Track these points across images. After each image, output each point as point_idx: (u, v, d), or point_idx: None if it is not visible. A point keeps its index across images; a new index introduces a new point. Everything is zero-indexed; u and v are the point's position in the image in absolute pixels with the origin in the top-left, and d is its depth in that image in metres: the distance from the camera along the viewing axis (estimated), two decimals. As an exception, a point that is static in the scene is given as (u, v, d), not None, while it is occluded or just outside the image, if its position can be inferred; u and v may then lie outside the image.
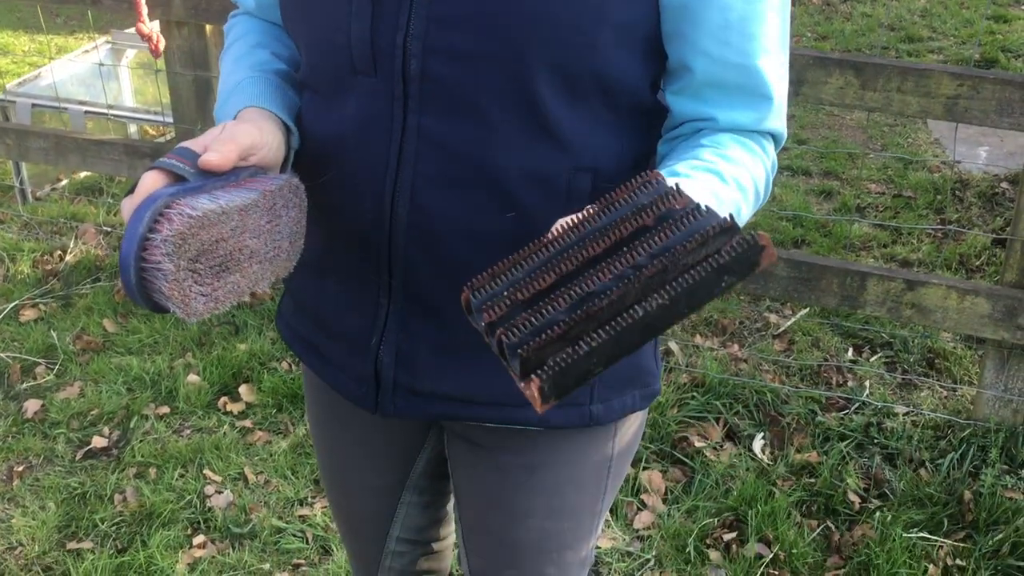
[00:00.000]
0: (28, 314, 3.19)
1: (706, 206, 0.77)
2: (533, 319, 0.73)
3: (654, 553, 2.34)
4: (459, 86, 0.97)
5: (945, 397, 2.86)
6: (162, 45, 2.98)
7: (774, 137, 1.06)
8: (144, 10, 2.87)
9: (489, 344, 0.75)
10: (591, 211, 0.79)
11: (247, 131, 0.97)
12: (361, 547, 1.46)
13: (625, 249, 0.75)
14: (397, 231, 1.04)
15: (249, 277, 0.95)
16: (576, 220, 0.80)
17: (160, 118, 3.67)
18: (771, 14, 0.98)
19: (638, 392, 1.19)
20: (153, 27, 2.93)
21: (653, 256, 0.73)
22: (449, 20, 0.95)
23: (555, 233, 0.80)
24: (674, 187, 0.79)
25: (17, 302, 3.23)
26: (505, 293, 0.76)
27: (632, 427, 1.25)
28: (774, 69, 1.01)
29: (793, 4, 6.38)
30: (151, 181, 0.90)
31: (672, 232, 0.75)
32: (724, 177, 0.96)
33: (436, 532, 1.46)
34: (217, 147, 0.92)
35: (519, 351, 0.71)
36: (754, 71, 0.99)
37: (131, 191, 0.90)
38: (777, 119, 1.04)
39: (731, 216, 0.75)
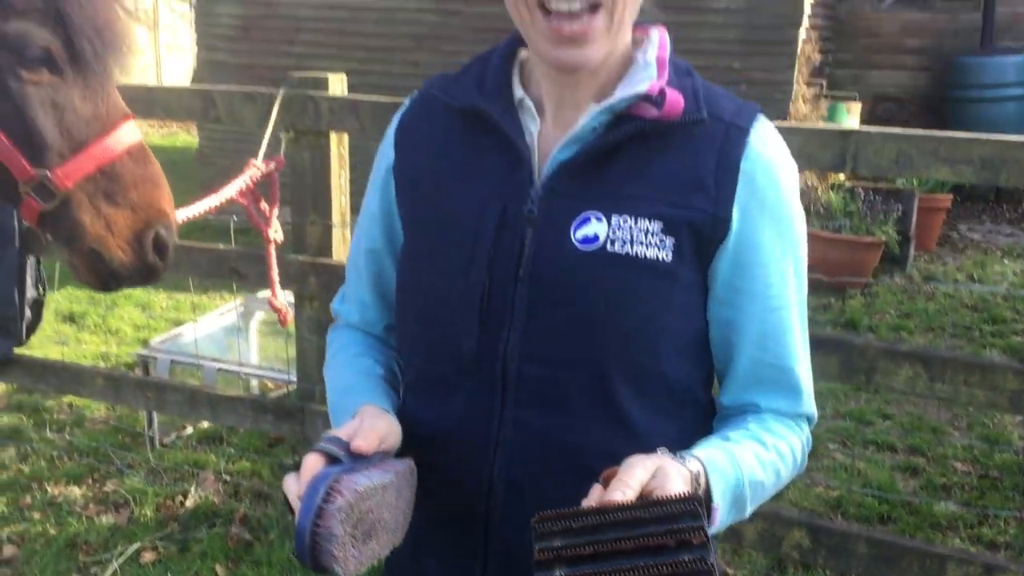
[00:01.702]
0: (148, 556, 3.43)
1: (713, 560, 0.98)
2: None
3: None
4: (550, 385, 1.22)
5: None
6: (290, 316, 3.36)
7: (808, 419, 1.31)
8: (277, 287, 3.27)
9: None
10: (637, 504, 1.01)
11: (382, 423, 1.21)
12: None
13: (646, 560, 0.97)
14: (494, 509, 1.25)
15: (381, 544, 1.17)
16: (624, 505, 1.01)
17: (284, 376, 4.04)
18: (797, 325, 1.27)
19: None
20: (284, 302, 3.32)
21: None
22: (543, 335, 1.22)
23: (609, 504, 1.01)
24: (702, 525, 0.99)
25: (139, 544, 3.48)
26: (558, 543, 1.00)
27: None
28: (802, 366, 1.28)
29: (876, 283, 6.67)
30: (315, 462, 1.14)
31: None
32: (766, 445, 1.21)
33: None
34: (363, 436, 1.17)
35: None
36: (788, 371, 1.26)
37: (295, 468, 1.15)
38: (808, 405, 1.30)
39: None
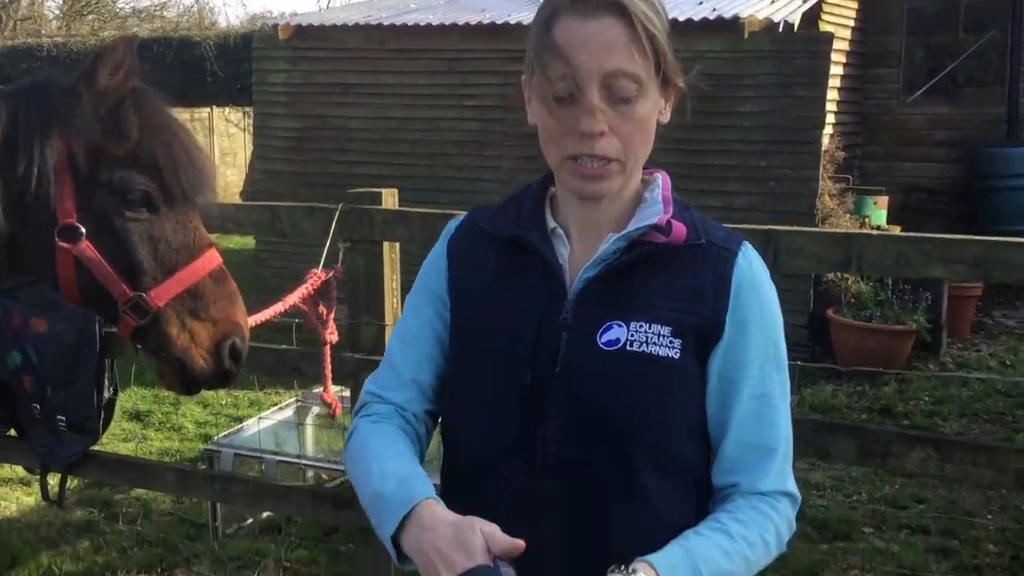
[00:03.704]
0: (215, 641, 3.66)
1: None
2: None
3: None
4: (582, 466, 1.47)
5: None
6: (340, 410, 3.64)
7: (787, 496, 1.51)
8: (330, 382, 3.56)
9: None
10: None
11: (492, 527, 1.35)
12: None
13: None
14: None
15: None
16: None
17: (339, 467, 4.30)
18: (777, 412, 1.51)
19: None
20: (335, 396, 3.60)
21: None
22: (577, 423, 1.47)
23: None
24: None
25: (206, 629, 3.71)
26: None
27: None
28: (782, 449, 1.50)
29: (910, 368, 6.81)
30: None
31: None
32: (733, 536, 1.43)
33: None
34: (511, 541, 1.32)
35: None
36: (767, 451, 1.49)
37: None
38: (786, 484, 1.50)
39: None
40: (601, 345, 1.47)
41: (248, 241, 11.06)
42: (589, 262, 1.52)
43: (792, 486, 1.52)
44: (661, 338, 1.47)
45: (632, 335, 1.47)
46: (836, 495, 5.01)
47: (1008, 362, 7.06)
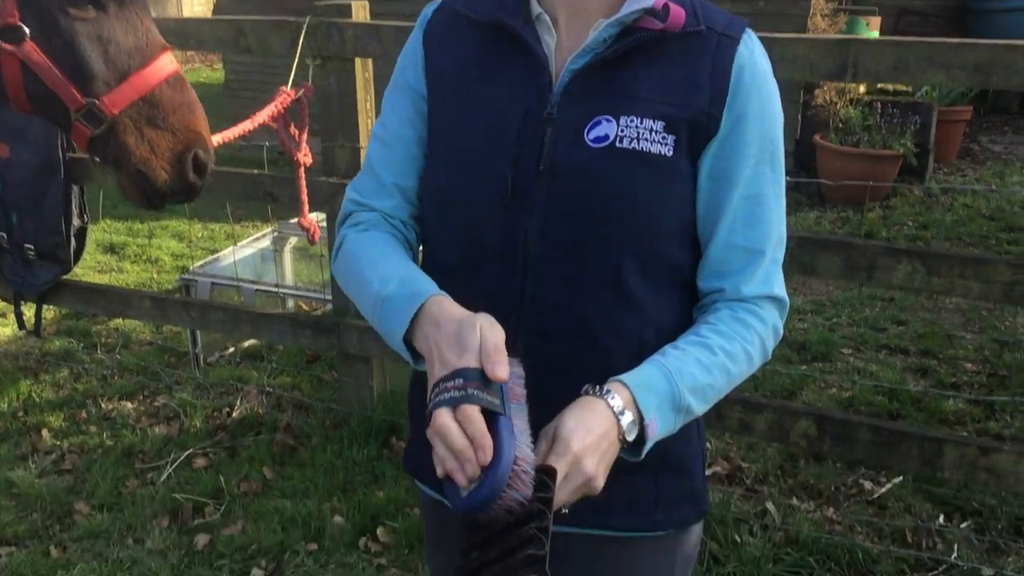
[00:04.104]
0: (199, 462, 3.68)
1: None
2: None
3: None
4: (566, 265, 1.38)
5: (1031, 562, 3.02)
6: (318, 235, 3.55)
7: (775, 301, 1.43)
8: (306, 206, 3.45)
9: None
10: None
11: (496, 329, 1.25)
12: None
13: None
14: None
15: None
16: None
17: (319, 295, 4.25)
18: (770, 214, 1.41)
19: (694, 509, 1.53)
20: (313, 220, 3.50)
21: None
22: (561, 219, 1.38)
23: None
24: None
25: (190, 451, 3.73)
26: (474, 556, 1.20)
27: (692, 540, 1.57)
28: (771, 252, 1.42)
29: (894, 195, 6.75)
30: (480, 421, 1.16)
31: None
32: (712, 349, 1.36)
33: None
34: (497, 361, 1.19)
35: None
36: (755, 253, 1.41)
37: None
38: (774, 287, 1.42)
39: None
40: (589, 142, 1.36)
41: (218, 75, 10.71)
42: (577, 51, 1.39)
43: (779, 289, 1.44)
44: (653, 134, 1.35)
45: (622, 131, 1.35)
46: (816, 319, 5.02)
47: (994, 186, 7.00)
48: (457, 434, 1.15)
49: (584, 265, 1.38)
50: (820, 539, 3.08)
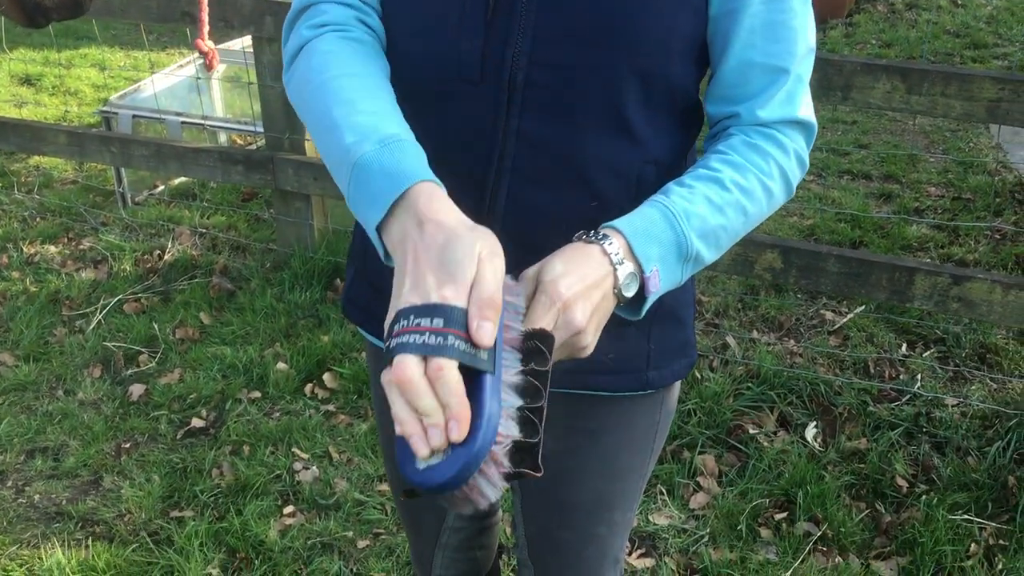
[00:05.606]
0: (131, 308, 3.47)
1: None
2: None
3: (708, 530, 2.50)
4: (557, 92, 1.13)
5: (995, 389, 2.96)
6: (216, 62, 3.20)
7: (801, 126, 1.19)
8: (206, 28, 3.09)
9: None
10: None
11: (497, 263, 0.94)
12: (420, 523, 1.57)
13: None
14: (494, 223, 1.18)
15: None
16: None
17: (250, 128, 3.94)
18: (796, 26, 1.15)
19: (684, 360, 1.36)
20: (211, 44, 3.15)
21: None
22: (553, 36, 1.12)
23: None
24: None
25: (121, 296, 3.51)
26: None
27: (675, 393, 1.42)
28: (796, 70, 1.16)
29: (858, 11, 6.46)
30: (458, 382, 0.88)
31: None
32: (724, 184, 1.12)
33: (491, 508, 1.58)
34: (486, 318, 0.89)
35: None
36: (777, 71, 1.15)
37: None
38: (800, 110, 1.17)
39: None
40: None
41: None
42: None
43: (806, 112, 1.19)
44: None
45: None
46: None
47: (959, 2, 6.73)
48: (426, 393, 0.86)
49: (579, 92, 1.13)
50: (781, 372, 2.99)
